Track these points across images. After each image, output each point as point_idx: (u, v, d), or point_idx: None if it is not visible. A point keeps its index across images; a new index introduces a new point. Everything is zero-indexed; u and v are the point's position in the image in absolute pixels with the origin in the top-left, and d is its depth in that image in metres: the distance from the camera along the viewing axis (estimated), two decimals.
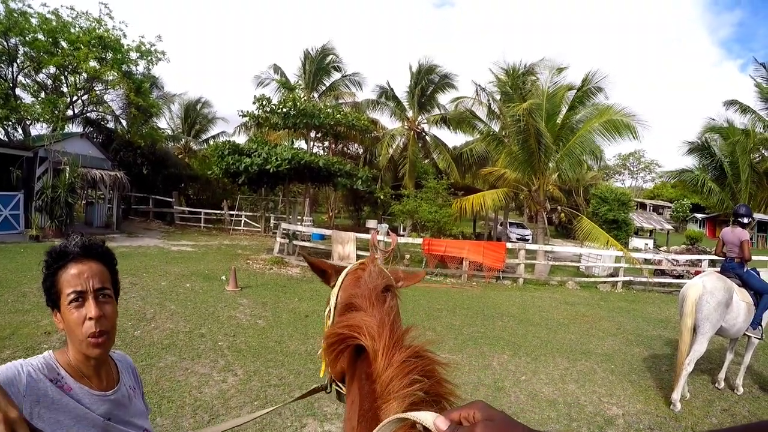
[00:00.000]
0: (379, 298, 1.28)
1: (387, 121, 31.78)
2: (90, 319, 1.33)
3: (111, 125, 27.15)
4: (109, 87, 22.46)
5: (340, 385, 1.53)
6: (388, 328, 1.08)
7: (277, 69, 31.28)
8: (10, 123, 20.17)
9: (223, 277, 11.51)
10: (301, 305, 9.58)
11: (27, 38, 19.01)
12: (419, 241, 15.58)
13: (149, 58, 22.97)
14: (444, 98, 30.27)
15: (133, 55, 22.43)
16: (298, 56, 32.08)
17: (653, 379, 6.61)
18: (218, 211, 27.89)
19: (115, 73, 21.39)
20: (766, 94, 21.12)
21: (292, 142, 25.61)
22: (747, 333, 6.22)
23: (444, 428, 0.73)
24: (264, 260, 15.26)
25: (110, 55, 20.99)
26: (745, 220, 6.49)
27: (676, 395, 5.59)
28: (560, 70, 16.84)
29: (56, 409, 1.30)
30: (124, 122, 26.28)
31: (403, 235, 20.13)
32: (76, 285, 1.34)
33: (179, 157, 33.21)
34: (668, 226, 34.69)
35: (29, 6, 19.33)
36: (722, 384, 6.50)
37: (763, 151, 21.22)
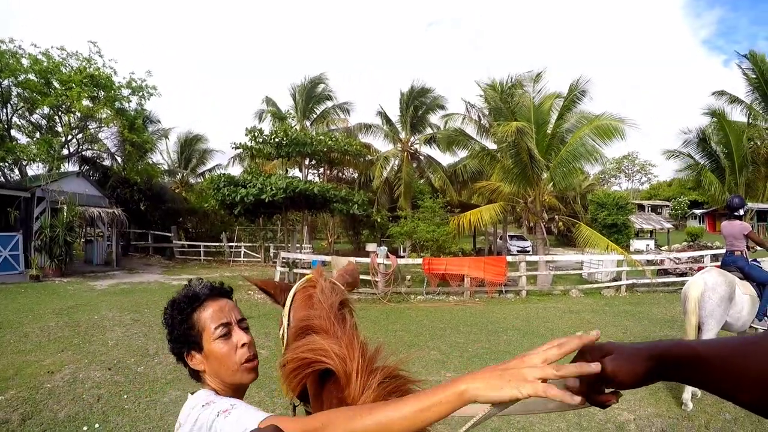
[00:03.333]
0: (338, 316, 1.24)
1: (380, 144, 31.92)
2: (243, 345, 1.39)
3: (107, 163, 27.29)
4: (103, 125, 22.70)
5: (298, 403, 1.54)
6: (359, 349, 1.04)
7: (269, 101, 31.72)
8: (7, 164, 20.42)
9: None
10: None
11: (19, 79, 19.24)
12: (419, 261, 15.47)
13: (141, 93, 23.30)
14: (435, 118, 30.33)
15: (125, 91, 22.77)
16: (288, 86, 32.42)
17: (663, 381, 6.52)
18: (217, 244, 27.84)
19: (108, 111, 21.65)
20: (753, 84, 21.35)
21: (287, 171, 25.74)
22: (753, 325, 6.16)
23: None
24: None
25: (102, 93, 21.27)
26: (741, 212, 6.49)
27: (687, 395, 5.51)
28: (538, 77, 17.02)
29: None
30: (119, 159, 26.39)
31: (403, 256, 20.07)
32: (221, 318, 1.40)
33: (176, 191, 33.32)
34: (668, 225, 34.79)
35: (20, 47, 19.64)
36: None
37: (756, 141, 21.38)
